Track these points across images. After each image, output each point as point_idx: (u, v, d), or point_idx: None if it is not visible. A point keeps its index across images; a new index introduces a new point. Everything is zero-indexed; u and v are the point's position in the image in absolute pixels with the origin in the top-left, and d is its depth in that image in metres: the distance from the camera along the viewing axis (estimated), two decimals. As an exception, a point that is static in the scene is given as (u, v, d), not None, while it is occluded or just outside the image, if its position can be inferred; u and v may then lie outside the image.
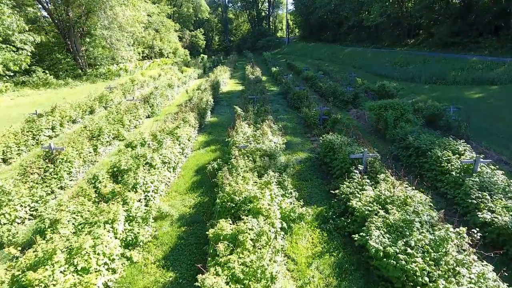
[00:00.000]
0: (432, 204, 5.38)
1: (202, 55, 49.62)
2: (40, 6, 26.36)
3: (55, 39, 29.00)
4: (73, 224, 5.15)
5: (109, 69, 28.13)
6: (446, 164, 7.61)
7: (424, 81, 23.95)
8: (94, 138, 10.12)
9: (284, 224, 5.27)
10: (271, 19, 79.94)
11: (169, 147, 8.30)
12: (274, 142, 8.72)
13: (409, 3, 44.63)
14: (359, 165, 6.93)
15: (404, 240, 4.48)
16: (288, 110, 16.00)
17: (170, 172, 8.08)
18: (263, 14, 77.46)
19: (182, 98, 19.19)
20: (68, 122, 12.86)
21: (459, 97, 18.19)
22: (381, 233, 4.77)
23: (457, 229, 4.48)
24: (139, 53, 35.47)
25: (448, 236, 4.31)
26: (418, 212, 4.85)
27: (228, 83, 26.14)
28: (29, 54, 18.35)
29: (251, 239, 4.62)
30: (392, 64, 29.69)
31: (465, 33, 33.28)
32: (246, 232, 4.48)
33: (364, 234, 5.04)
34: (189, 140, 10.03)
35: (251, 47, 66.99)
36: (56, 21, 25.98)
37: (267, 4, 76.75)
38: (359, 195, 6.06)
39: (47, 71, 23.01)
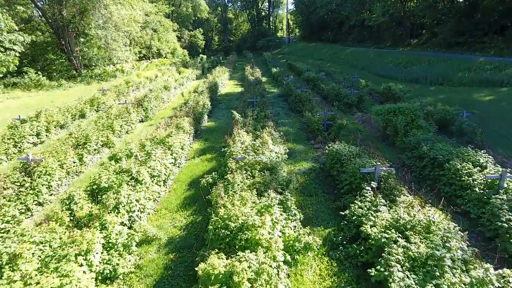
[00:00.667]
0: (462, 233, 4.58)
1: (201, 55, 48.83)
2: (33, 4, 25.61)
3: (50, 39, 28.28)
4: (38, 257, 4.36)
5: (104, 70, 27.36)
6: (467, 178, 6.82)
7: (430, 82, 23.15)
8: (80, 146, 9.34)
9: (288, 257, 4.48)
10: (271, 19, 79.17)
11: (159, 158, 7.51)
12: (276, 152, 7.94)
13: (411, 2, 43.89)
14: (371, 182, 6.13)
15: (434, 283, 3.69)
16: (289, 114, 15.21)
17: (160, 186, 7.29)
18: (263, 13, 76.70)
19: (178, 101, 18.40)
20: (55, 127, 12.07)
21: (468, 100, 17.39)
22: (404, 271, 3.98)
23: (500, 271, 3.69)
24: (136, 54, 34.69)
25: (489, 279, 3.52)
26: (449, 248, 4.04)
27: (227, 85, 25.36)
28: (17, 55, 17.56)
29: (249, 279, 3.84)
30: (396, 65, 28.90)
31: (470, 33, 32.49)
32: (242, 273, 3.70)
33: (382, 269, 4.26)
34: (182, 149, 9.25)
35: (251, 47, 66.20)
36: (50, 20, 25.23)
37: (267, 3, 75.99)
38: (373, 218, 5.27)
39: (39, 72, 22.21)
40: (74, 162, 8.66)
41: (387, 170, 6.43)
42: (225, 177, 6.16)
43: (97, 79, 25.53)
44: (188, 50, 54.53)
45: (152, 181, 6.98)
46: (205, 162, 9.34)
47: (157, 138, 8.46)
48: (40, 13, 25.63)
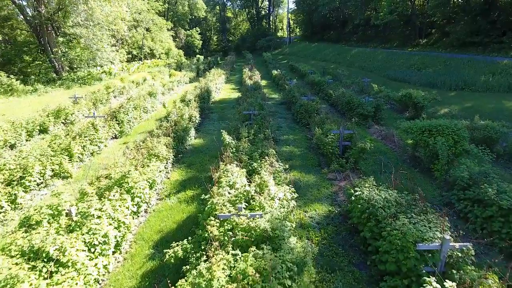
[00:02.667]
0: None
1: (198, 56, 46.42)
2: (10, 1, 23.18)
3: (30, 39, 25.87)
4: None
5: (89, 72, 24.90)
6: None
7: (449, 87, 20.75)
8: (15, 182, 6.92)
9: None
10: (271, 18, 76.70)
11: (110, 210, 5.09)
12: (279, 199, 5.52)
13: (421, -1, 41.51)
14: (433, 265, 3.71)
15: None
16: (293, 128, 12.77)
17: (107, 255, 4.86)
18: (263, 12, 74.24)
19: (166, 109, 16.00)
20: (3, 148, 9.66)
21: (501, 109, 14.99)
22: None
23: None
24: (124, 54, 32.20)
25: None
26: None
27: (223, 89, 22.94)
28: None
29: None
30: (408, 67, 26.50)
31: (486, 32, 30.07)
32: None
33: None
34: (151, 188, 6.81)
35: (251, 47, 63.72)
36: (28, 18, 22.81)
37: (267, 2, 73.50)
38: None
39: (11, 76, 19.79)
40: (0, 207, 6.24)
41: (462, 246, 4.00)
42: (197, 268, 3.72)
43: (80, 83, 23.08)
44: (184, 51, 52.09)
45: (93, 252, 4.56)
46: (183, 204, 6.90)
47: (111, 177, 6.02)
48: (18, 10, 23.15)
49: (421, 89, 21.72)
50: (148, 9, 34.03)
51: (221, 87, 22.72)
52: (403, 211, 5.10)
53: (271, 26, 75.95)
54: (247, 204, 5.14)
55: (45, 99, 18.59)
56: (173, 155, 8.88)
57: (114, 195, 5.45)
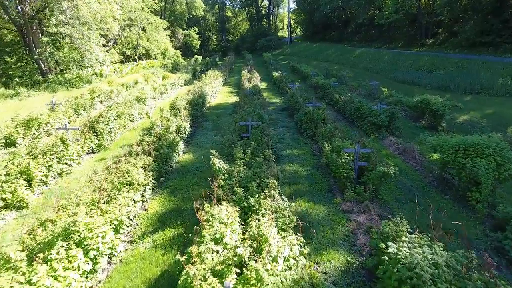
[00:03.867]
0: None
1: (196, 56, 44.86)
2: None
3: (16, 39, 24.39)
4: None
5: (78, 74, 23.37)
6: None
7: (463, 90, 19.24)
8: None
9: None
10: (271, 18, 75.13)
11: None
12: (283, 257, 3.99)
13: (427, -3, 39.91)
14: None
15: None
16: (297, 139, 11.23)
17: None
18: (263, 12, 72.67)
19: (155, 116, 14.50)
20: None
21: (528, 117, 13.48)
22: None
23: None
24: (120, 54, 30.67)
25: None
26: None
27: (220, 92, 21.41)
28: None
29: None
30: (416, 69, 24.97)
31: (497, 31, 28.56)
32: None
33: None
34: (117, 232, 5.28)
35: (250, 47, 62.16)
36: (12, 16, 21.30)
37: (267, 1, 71.96)
38: None
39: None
40: None
41: None
42: None
43: (67, 86, 21.56)
44: (182, 51, 50.55)
45: None
46: (159, 250, 5.37)
47: (56, 224, 4.47)
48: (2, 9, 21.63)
49: (433, 93, 20.25)
50: (142, 7, 32.45)
51: (218, 90, 21.20)
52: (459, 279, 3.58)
53: (271, 26, 74.40)
54: (239, 272, 3.62)
55: (26, 104, 17.08)
56: (154, 179, 7.35)
57: (55, 254, 3.93)
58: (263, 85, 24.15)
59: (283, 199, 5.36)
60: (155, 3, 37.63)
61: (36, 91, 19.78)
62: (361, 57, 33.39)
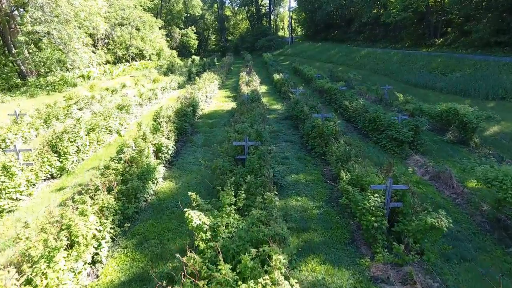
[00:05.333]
0: None
1: (193, 56, 42.87)
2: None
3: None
4: None
5: (62, 77, 21.48)
6: None
7: (484, 96, 17.33)
8: None
9: None
10: (271, 17, 73.19)
11: None
12: None
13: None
14: None
15: None
16: (304, 158, 9.31)
17: None
18: (263, 10, 70.73)
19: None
20: None
21: None
22: None
23: None
24: (112, 55, 28.74)
25: None
26: None
27: (216, 97, 19.51)
28: None
29: None
30: (430, 71, 23.05)
31: (514, 30, 26.68)
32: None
33: None
34: None
35: (250, 47, 60.23)
36: (-12, 14, 19.41)
37: (267, 0, 69.99)
38: None
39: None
40: None
41: None
42: None
43: (48, 90, 19.69)
44: (179, 51, 48.63)
45: None
46: None
47: None
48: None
49: (450, 98, 18.37)
50: (134, 5, 30.52)
51: (213, 95, 19.30)
52: None
53: (272, 25, 72.49)
54: None
55: (-3, 111, 15.20)
56: (117, 225, 5.47)
57: None
58: (263, 88, 22.27)
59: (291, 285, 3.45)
60: (149, 0, 35.68)
61: (12, 96, 17.92)
62: (367, 57, 31.47)
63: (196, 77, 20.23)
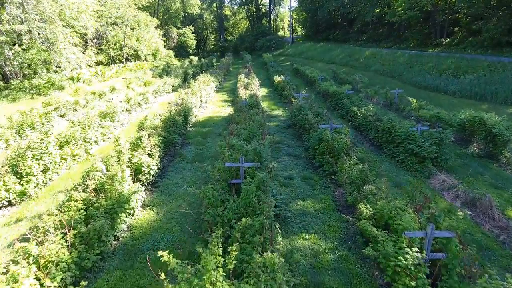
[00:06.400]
0: None
1: (191, 57, 41.51)
2: None
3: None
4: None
5: (49, 79, 20.11)
6: None
7: (503, 100, 16.02)
8: None
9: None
10: (272, 17, 71.79)
11: None
12: None
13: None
14: None
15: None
16: (311, 178, 7.95)
17: None
18: (263, 10, 69.35)
19: (127, 134, 11.29)
20: None
21: None
22: None
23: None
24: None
25: None
26: None
27: (212, 101, 18.17)
28: None
29: None
30: (440, 72, 21.71)
31: (527, 30, 25.38)
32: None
33: None
34: None
35: (250, 47, 58.87)
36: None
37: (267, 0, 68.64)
38: None
39: None
40: None
41: None
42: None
43: (32, 93, 18.34)
44: (177, 51, 47.27)
45: None
46: None
47: None
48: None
49: (464, 102, 17.10)
50: (128, 4, 29.14)
51: (209, 99, 17.95)
52: None
53: (272, 25, 71.11)
54: None
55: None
56: (68, 284, 4.13)
57: None
58: (262, 91, 20.93)
59: None
60: (143, -1, 34.32)
61: (-9, 101, 16.56)
62: (372, 58, 30.12)
63: (191, 80, 18.85)
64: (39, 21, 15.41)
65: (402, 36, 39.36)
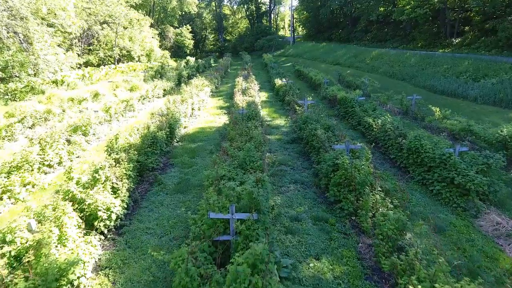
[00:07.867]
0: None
1: (188, 57, 39.69)
2: None
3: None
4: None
5: (29, 83, 18.29)
6: None
7: (533, 107, 14.20)
8: None
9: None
10: (272, 16, 69.96)
11: None
12: None
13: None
14: None
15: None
16: (325, 220, 6.10)
17: None
18: (263, 9, 67.50)
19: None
20: None
21: None
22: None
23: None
24: (96, 57, 25.50)
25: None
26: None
27: (206, 108, 16.34)
28: None
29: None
30: (456, 75, 19.86)
31: (547, 29, 23.53)
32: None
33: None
34: None
35: (249, 47, 57.07)
36: None
37: (267, -1, 66.85)
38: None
39: None
40: None
41: None
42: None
43: (6, 99, 16.52)
44: (174, 51, 45.47)
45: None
46: None
47: None
48: None
49: (488, 109, 15.30)
50: (119, 2, 27.32)
51: (203, 105, 16.11)
52: None
53: (272, 24, 69.28)
54: None
55: None
56: None
57: None
58: (262, 96, 19.13)
59: None
60: (136, -4, 32.50)
61: (-42, 108, 14.73)
62: (379, 59, 28.27)
63: (183, 85, 17.01)
64: (8, 18, 13.60)
65: (409, 35, 37.50)
